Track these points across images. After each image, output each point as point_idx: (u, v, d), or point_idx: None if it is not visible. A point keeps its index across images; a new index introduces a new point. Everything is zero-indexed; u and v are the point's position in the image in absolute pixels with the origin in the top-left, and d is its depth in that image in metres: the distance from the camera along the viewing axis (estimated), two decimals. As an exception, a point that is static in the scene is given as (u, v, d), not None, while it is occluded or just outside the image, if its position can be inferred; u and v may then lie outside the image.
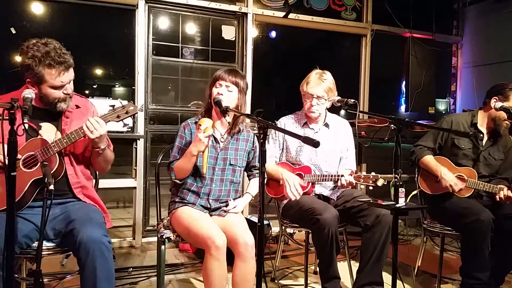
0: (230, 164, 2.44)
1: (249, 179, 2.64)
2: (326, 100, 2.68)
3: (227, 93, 2.35)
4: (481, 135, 2.90)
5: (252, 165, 2.59)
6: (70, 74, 2.06)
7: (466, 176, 2.81)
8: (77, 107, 2.23)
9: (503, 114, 2.79)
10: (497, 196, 2.73)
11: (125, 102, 2.07)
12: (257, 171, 2.57)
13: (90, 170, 2.32)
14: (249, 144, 2.53)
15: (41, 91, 2.02)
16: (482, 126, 2.92)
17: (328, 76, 2.72)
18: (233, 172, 2.46)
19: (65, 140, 2.02)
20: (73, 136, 2.02)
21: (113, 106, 2.06)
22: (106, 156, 2.20)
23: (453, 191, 2.76)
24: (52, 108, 2.09)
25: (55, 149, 2.01)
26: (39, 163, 1.99)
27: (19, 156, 1.98)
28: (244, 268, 2.16)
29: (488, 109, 2.88)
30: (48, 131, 2.10)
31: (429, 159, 2.88)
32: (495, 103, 2.80)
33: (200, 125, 2.16)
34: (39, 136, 2.05)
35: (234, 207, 2.42)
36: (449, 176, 2.76)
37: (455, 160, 2.88)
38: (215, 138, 2.42)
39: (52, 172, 2.00)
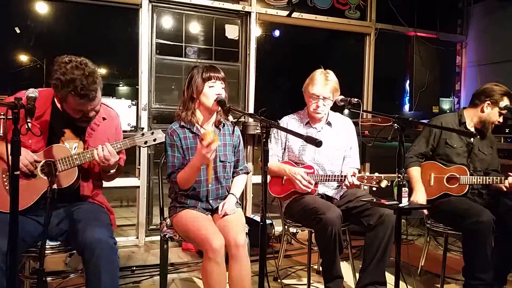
0: (221, 161, 2.40)
1: (233, 177, 2.55)
2: (331, 100, 2.68)
3: (222, 91, 2.34)
4: (474, 132, 2.94)
5: (236, 159, 2.53)
6: (94, 103, 1.99)
7: (458, 174, 2.83)
8: (104, 119, 2.21)
9: (493, 118, 2.88)
10: (503, 186, 2.75)
11: (157, 131, 2.06)
12: (241, 169, 2.55)
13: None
14: (235, 138, 2.51)
15: (63, 107, 2.02)
16: (470, 125, 2.98)
17: (332, 76, 2.71)
18: (224, 169, 2.43)
19: (88, 155, 2.01)
20: (88, 155, 2.02)
21: (142, 128, 2.06)
22: (113, 176, 2.21)
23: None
24: (72, 122, 2.08)
25: (77, 162, 2.00)
26: (57, 172, 1.98)
27: (37, 158, 2.00)
28: (238, 269, 2.15)
29: (478, 111, 2.93)
30: (70, 139, 2.10)
31: (413, 173, 2.92)
32: (489, 106, 2.87)
33: (203, 139, 2.07)
34: (60, 143, 2.06)
35: (225, 212, 2.35)
36: (420, 192, 2.84)
37: (449, 159, 2.91)
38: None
39: (69, 185, 2.02)
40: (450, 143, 2.92)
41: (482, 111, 2.90)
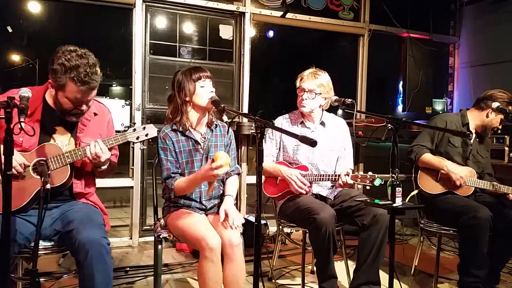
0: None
1: (225, 179, 2.52)
2: (317, 94, 2.69)
3: (213, 89, 2.36)
4: (471, 134, 3.00)
5: None
6: (91, 94, 2.01)
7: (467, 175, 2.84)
8: (95, 114, 2.20)
9: (494, 125, 2.94)
10: (511, 195, 2.81)
11: (149, 126, 2.04)
12: (232, 170, 2.52)
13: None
14: (226, 139, 2.51)
15: (57, 96, 2.00)
16: (472, 126, 3.01)
17: (322, 74, 2.74)
18: None
19: (79, 153, 2.00)
20: (80, 153, 2.01)
21: (134, 123, 2.06)
22: (105, 172, 2.19)
23: (461, 184, 2.80)
24: (62, 116, 2.07)
25: (68, 160, 1.99)
26: (49, 171, 1.96)
27: (25, 161, 1.97)
28: (232, 268, 2.15)
29: (483, 115, 2.97)
30: (61, 136, 2.09)
31: (430, 157, 2.93)
32: (493, 112, 2.91)
33: (214, 160, 2.06)
34: (52, 141, 2.05)
35: (233, 223, 2.25)
36: (456, 169, 2.81)
37: (450, 157, 2.93)
38: (196, 141, 2.38)
39: (61, 183, 2.00)
40: (453, 141, 2.95)
41: (487, 116, 2.94)
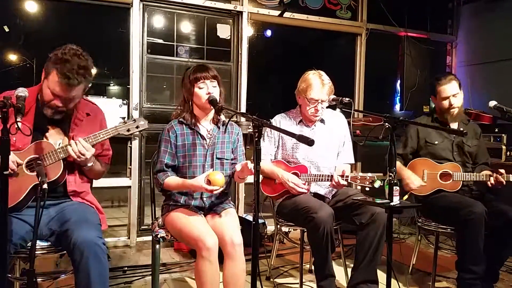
0: (217, 158, 2.41)
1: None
2: (327, 102, 2.69)
3: (214, 89, 2.36)
4: (448, 126, 3.00)
5: (234, 157, 2.52)
6: (69, 93, 1.99)
7: (451, 171, 2.86)
8: (88, 115, 2.22)
9: (443, 107, 2.92)
10: (489, 183, 2.78)
11: (139, 119, 2.08)
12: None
13: None
14: (234, 136, 2.51)
15: (42, 85, 2.03)
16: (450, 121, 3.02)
17: (326, 77, 2.72)
18: (222, 166, 2.43)
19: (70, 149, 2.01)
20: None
21: (124, 117, 2.07)
22: (94, 170, 2.19)
23: (411, 189, 2.82)
24: (41, 107, 2.06)
25: (61, 155, 2.00)
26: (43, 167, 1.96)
27: (18, 160, 1.97)
28: (233, 267, 2.16)
29: (435, 106, 3.05)
30: (54, 135, 2.10)
31: (397, 166, 2.89)
32: (432, 100, 3.03)
33: (210, 182, 2.13)
34: (45, 139, 2.05)
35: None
36: (410, 177, 2.82)
37: (436, 156, 2.94)
38: (201, 136, 2.39)
39: (55, 178, 2.00)
40: (430, 140, 2.96)
41: (434, 105, 3.04)
